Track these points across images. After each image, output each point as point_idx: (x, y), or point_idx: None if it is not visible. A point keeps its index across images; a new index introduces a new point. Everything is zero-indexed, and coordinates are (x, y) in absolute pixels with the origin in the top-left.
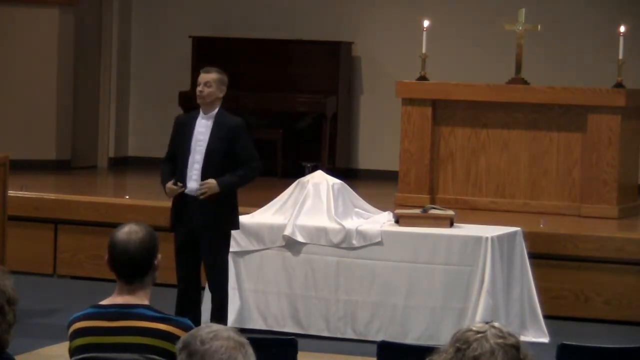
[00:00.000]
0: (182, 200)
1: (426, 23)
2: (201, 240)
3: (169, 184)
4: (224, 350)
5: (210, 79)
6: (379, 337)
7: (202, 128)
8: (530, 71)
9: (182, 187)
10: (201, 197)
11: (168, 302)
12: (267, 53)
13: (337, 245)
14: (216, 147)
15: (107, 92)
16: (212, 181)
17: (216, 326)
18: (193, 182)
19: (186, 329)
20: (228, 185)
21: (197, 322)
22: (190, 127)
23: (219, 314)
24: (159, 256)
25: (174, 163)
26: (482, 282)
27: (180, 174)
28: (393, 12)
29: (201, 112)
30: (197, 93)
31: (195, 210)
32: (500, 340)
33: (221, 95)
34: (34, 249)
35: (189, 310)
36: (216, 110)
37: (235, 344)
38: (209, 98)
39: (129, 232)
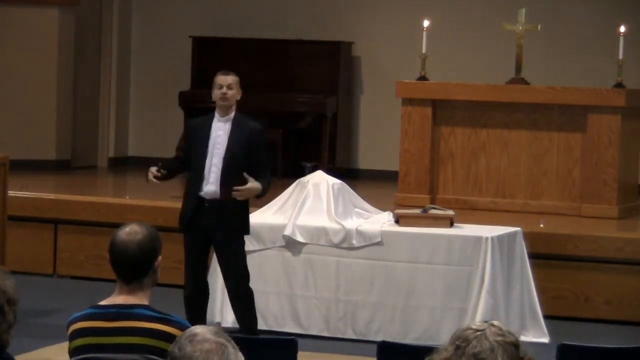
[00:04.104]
0: (198, 203)
1: (426, 23)
2: (217, 243)
3: (153, 168)
4: (198, 354)
5: (231, 81)
6: (379, 337)
7: (220, 131)
8: (530, 71)
9: (164, 174)
10: (239, 197)
11: (169, 302)
12: (267, 53)
13: (337, 245)
14: (236, 151)
15: (107, 92)
16: (256, 184)
17: (198, 329)
18: (211, 185)
19: (184, 329)
20: (263, 190)
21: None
22: (206, 131)
23: (247, 316)
24: (160, 257)
25: (178, 164)
26: (482, 282)
27: (196, 178)
28: (393, 12)
29: (217, 116)
30: (220, 95)
31: (212, 214)
32: (499, 338)
33: (239, 97)
34: (34, 249)
35: (198, 315)
36: (233, 113)
37: (212, 346)
38: (232, 100)
39: (129, 232)
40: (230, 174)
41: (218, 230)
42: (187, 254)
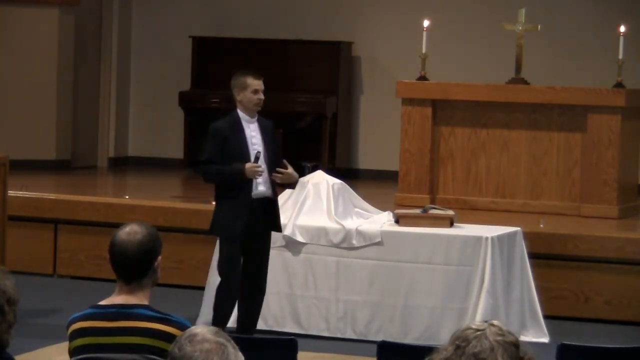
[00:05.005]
0: (248, 206)
1: (426, 23)
2: (260, 242)
3: (250, 164)
4: (198, 354)
5: (263, 85)
6: (379, 337)
7: (253, 132)
8: (530, 71)
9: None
10: (280, 180)
11: (169, 302)
12: (267, 53)
13: (337, 245)
14: (268, 151)
15: (107, 92)
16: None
17: (198, 329)
18: (261, 186)
19: (184, 329)
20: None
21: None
22: (240, 133)
23: (257, 316)
24: (160, 257)
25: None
26: (482, 282)
27: (243, 182)
28: (393, 12)
29: (244, 117)
30: (257, 101)
31: (263, 214)
32: (499, 338)
33: None
34: (34, 249)
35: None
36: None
37: (212, 346)
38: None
39: (128, 232)
40: (271, 173)
41: (268, 230)
42: (236, 258)
